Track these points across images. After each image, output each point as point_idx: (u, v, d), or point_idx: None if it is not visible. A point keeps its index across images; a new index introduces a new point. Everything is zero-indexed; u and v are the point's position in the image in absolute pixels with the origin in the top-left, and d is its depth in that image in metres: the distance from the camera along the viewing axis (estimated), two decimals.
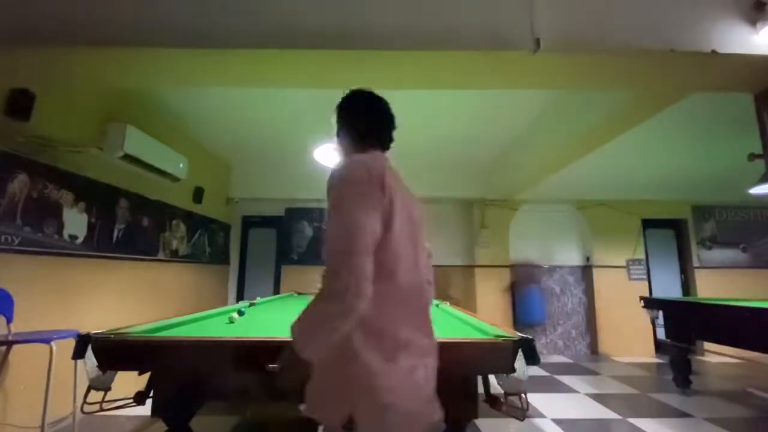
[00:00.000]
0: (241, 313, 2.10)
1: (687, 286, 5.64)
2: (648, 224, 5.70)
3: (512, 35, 1.83)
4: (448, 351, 1.18)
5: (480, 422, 2.66)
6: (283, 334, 1.43)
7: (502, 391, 1.25)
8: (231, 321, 2.00)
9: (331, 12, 1.84)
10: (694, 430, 2.66)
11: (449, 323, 1.87)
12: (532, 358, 1.15)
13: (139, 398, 1.35)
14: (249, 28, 1.82)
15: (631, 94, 2.44)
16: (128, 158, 2.86)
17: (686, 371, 3.50)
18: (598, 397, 3.34)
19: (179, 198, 3.95)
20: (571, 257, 5.69)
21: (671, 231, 5.86)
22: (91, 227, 2.80)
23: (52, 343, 2.03)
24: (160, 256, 3.65)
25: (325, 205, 6.04)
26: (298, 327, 0.87)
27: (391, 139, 1.13)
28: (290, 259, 5.74)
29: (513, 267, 5.50)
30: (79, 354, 1.21)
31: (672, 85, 2.20)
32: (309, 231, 5.82)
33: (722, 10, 1.89)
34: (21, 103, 2.19)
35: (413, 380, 0.90)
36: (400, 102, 3.63)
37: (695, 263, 5.51)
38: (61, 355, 2.04)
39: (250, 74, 2.11)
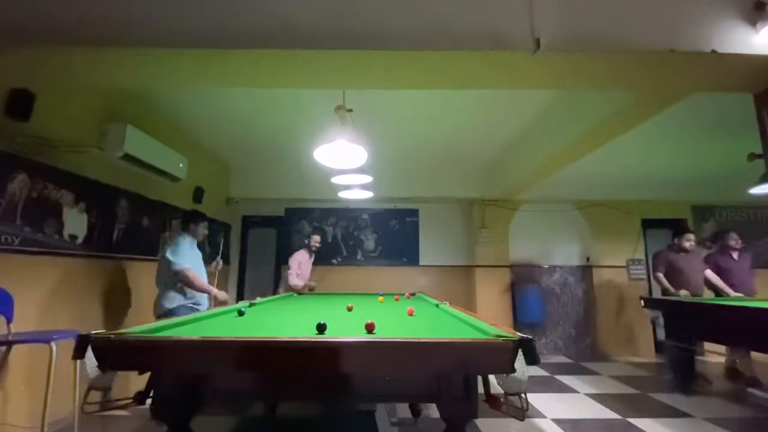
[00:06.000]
0: (241, 313, 2.10)
1: None
2: (648, 224, 5.70)
3: (512, 35, 1.83)
4: (447, 351, 1.18)
5: (480, 422, 2.66)
6: (283, 333, 1.44)
7: (502, 391, 1.25)
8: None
9: (330, 12, 1.84)
10: (694, 430, 2.66)
11: (449, 323, 1.87)
12: (532, 358, 1.15)
13: (139, 398, 1.35)
14: (249, 28, 1.82)
15: (631, 95, 2.44)
16: (128, 158, 2.86)
17: (687, 371, 3.49)
18: (598, 397, 3.34)
19: (179, 198, 3.94)
20: (571, 257, 5.69)
21: (671, 231, 5.85)
22: (91, 227, 2.80)
23: (52, 343, 2.03)
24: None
25: (324, 205, 6.02)
26: None
27: None
28: None
29: (513, 267, 5.51)
30: (79, 354, 1.20)
31: (672, 85, 2.20)
32: (309, 231, 5.81)
33: (722, 10, 1.88)
34: (21, 103, 2.19)
35: None
36: (400, 102, 3.63)
37: None
38: (61, 355, 2.04)
39: (250, 74, 2.11)
